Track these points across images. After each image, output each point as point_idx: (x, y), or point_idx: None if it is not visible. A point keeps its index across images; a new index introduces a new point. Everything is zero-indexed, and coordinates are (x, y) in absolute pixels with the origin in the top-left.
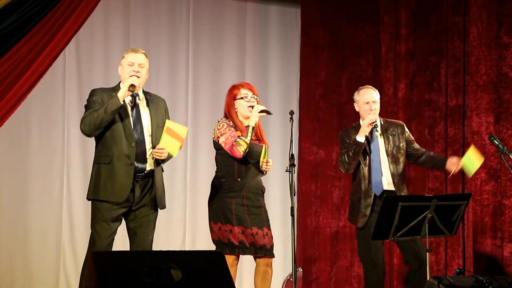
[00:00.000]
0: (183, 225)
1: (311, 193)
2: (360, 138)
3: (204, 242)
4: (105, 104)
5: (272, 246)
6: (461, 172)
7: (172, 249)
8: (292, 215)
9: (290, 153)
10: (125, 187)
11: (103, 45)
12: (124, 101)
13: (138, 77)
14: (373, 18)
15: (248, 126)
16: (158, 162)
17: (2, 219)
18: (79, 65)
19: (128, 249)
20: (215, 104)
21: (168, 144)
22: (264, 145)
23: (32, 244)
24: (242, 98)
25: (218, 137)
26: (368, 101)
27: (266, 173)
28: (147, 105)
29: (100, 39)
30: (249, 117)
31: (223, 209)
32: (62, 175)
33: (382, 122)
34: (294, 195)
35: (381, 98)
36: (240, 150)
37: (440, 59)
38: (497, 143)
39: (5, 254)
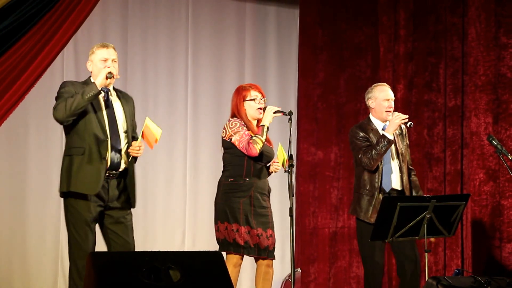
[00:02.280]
0: (182, 225)
1: (309, 193)
2: (390, 135)
3: (204, 242)
4: (82, 90)
5: (274, 247)
6: (460, 173)
7: (171, 250)
8: (291, 215)
9: (289, 154)
10: (97, 180)
11: None
12: (100, 89)
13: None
14: (371, 19)
15: (263, 125)
16: (131, 160)
17: (0, 221)
18: (77, 66)
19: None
20: (215, 105)
21: (145, 141)
22: (280, 144)
23: (31, 245)
24: (253, 99)
25: (231, 135)
26: (388, 98)
27: (271, 174)
28: (120, 101)
29: (98, 40)
30: (256, 119)
31: (231, 208)
32: None
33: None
34: (293, 196)
35: None
36: (257, 148)
37: (438, 60)
38: (495, 143)
39: (4, 255)
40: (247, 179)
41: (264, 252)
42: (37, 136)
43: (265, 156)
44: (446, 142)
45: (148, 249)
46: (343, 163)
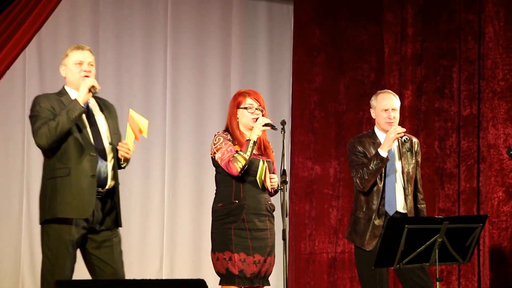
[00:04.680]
0: (160, 250)
1: (305, 214)
2: (384, 153)
3: (184, 269)
4: (64, 111)
5: (267, 273)
6: (476, 191)
7: (148, 278)
8: (284, 239)
9: (282, 168)
10: (89, 200)
11: (69, 45)
12: (84, 107)
13: (88, 76)
14: (375, 16)
15: (249, 140)
16: (117, 175)
17: None
18: (41, 68)
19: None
20: (196, 112)
21: (130, 138)
22: (262, 160)
23: None
24: (246, 108)
25: (214, 152)
26: (387, 108)
27: (274, 191)
28: (101, 110)
29: (66, 38)
30: (252, 129)
31: (222, 235)
32: (22, 194)
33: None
34: (286, 216)
35: None
36: (237, 166)
37: (451, 63)
38: None
39: None
40: (237, 201)
41: (256, 280)
42: None
43: (253, 172)
44: (460, 156)
45: None
46: (344, 179)
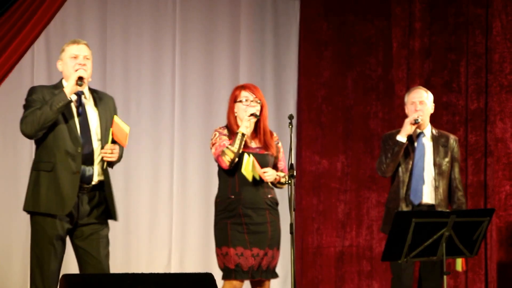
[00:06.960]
0: (168, 245)
1: (312, 208)
2: (401, 137)
3: (193, 264)
4: (50, 101)
5: (269, 266)
6: (483, 185)
7: (156, 271)
8: (291, 232)
9: (289, 163)
10: (70, 198)
11: None
12: (70, 98)
13: (85, 70)
14: (383, 10)
15: (237, 133)
16: (106, 170)
17: None
18: (49, 62)
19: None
20: (205, 107)
21: (116, 140)
22: (247, 152)
23: None
24: (241, 101)
25: (211, 148)
26: (414, 100)
27: (278, 182)
28: (95, 104)
29: (73, 34)
30: None
31: (220, 232)
32: None
33: (433, 132)
34: (294, 211)
35: (392, 101)
36: (226, 160)
37: (459, 57)
38: None
39: None
40: (233, 197)
41: (257, 274)
42: (3, 141)
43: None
44: (468, 149)
45: (130, 271)
46: (351, 174)
